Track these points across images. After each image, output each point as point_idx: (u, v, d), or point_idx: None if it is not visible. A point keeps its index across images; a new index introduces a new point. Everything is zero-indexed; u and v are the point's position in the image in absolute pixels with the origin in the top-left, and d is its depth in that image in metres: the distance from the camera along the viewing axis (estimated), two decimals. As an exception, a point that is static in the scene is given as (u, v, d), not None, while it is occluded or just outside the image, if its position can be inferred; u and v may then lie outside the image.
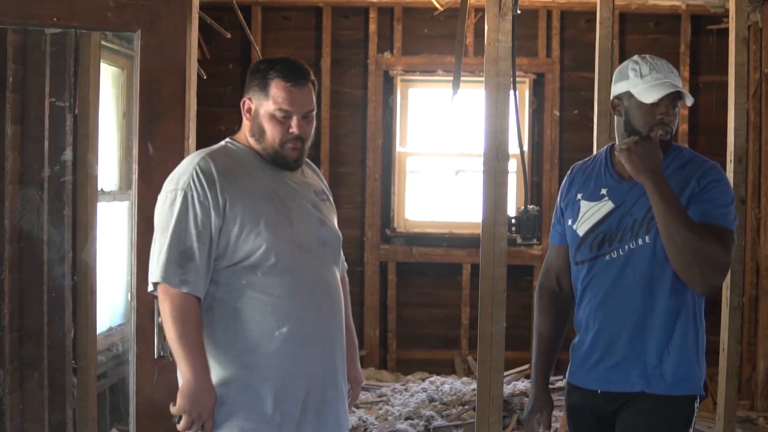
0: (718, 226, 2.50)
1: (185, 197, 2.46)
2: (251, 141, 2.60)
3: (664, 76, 2.63)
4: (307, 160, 2.76)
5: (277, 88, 2.52)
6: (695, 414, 2.60)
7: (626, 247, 2.62)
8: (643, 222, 2.60)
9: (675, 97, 2.62)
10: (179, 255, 2.44)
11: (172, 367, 2.65)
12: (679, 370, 2.57)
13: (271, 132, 2.55)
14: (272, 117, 2.54)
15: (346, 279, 2.85)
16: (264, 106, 2.54)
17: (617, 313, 2.64)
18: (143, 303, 2.99)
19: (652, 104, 2.62)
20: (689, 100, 2.63)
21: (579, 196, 2.78)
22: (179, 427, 2.43)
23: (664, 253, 2.54)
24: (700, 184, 2.58)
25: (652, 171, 2.53)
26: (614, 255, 2.65)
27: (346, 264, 2.87)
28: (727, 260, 2.49)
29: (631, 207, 2.64)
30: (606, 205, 2.69)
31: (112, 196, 5.11)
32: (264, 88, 2.54)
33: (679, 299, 2.58)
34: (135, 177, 3.08)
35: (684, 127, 6.67)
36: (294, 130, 2.54)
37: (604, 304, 2.68)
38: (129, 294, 3.13)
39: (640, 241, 2.60)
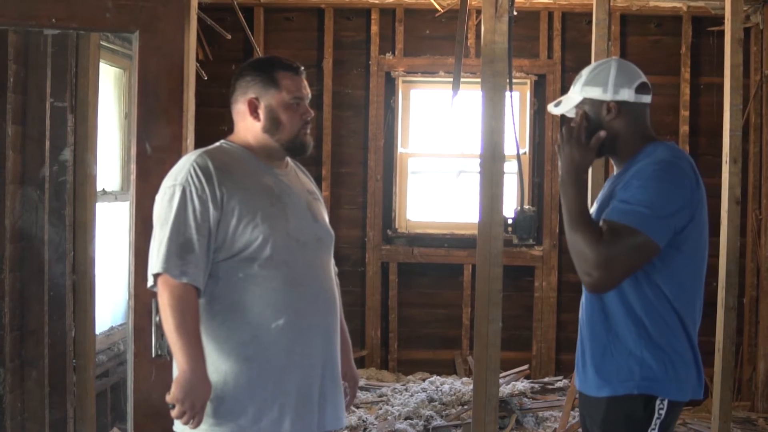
0: (605, 221, 2.43)
1: (184, 192, 2.51)
2: (260, 138, 2.66)
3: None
4: (297, 163, 2.83)
5: (286, 79, 2.65)
6: (656, 416, 2.48)
7: None
8: None
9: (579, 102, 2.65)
10: (179, 247, 2.48)
11: (169, 366, 2.66)
12: (605, 370, 2.52)
13: (289, 120, 2.65)
14: (288, 106, 2.65)
15: (338, 281, 2.87)
16: (276, 98, 2.64)
17: (581, 315, 2.66)
18: (141, 302, 3.01)
19: None
20: (556, 109, 2.69)
21: None
22: (172, 414, 2.46)
23: None
24: (625, 180, 2.51)
25: (564, 171, 2.55)
26: None
27: (336, 268, 2.89)
28: (597, 256, 2.37)
29: (595, 210, 2.63)
30: (594, 205, 2.71)
31: (114, 196, 5.13)
32: (273, 82, 2.64)
33: (618, 299, 2.50)
34: (133, 177, 3.10)
35: (685, 129, 6.67)
36: (306, 114, 2.67)
37: (581, 305, 2.69)
38: (127, 293, 3.15)
39: None
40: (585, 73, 2.64)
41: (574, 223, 2.46)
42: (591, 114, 2.61)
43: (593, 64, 2.68)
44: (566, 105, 2.66)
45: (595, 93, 2.60)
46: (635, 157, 2.56)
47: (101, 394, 4.67)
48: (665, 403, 2.49)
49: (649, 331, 2.48)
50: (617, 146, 2.61)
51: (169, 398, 2.45)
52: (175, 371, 2.52)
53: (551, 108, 2.73)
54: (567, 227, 2.48)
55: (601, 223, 2.46)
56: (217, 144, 2.71)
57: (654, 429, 2.49)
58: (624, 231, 2.39)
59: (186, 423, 2.45)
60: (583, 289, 2.68)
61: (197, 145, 2.90)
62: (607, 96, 2.59)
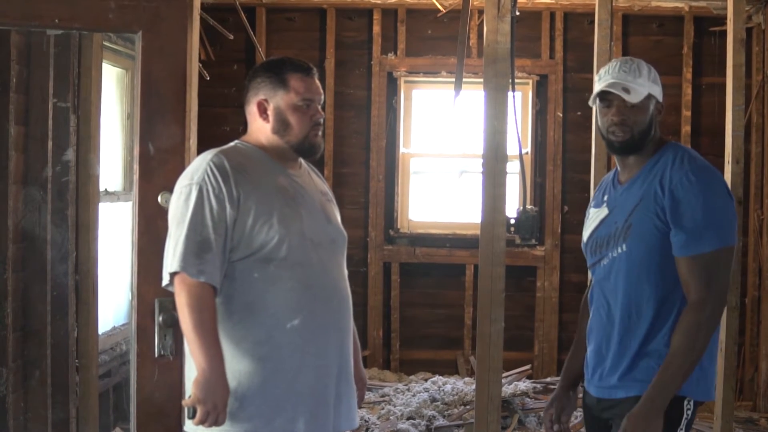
0: (689, 259, 2.47)
1: (200, 191, 2.51)
2: (271, 139, 2.67)
3: (612, 77, 2.61)
4: (310, 164, 2.83)
5: (296, 80, 2.64)
6: (684, 416, 2.53)
7: (611, 254, 2.62)
8: (622, 229, 2.59)
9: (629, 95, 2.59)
10: (196, 246, 2.48)
11: (172, 366, 2.66)
12: (635, 372, 2.55)
13: (298, 122, 2.64)
14: (297, 108, 2.64)
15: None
16: (285, 100, 2.64)
17: (603, 320, 2.66)
18: (144, 302, 3.00)
19: (606, 106, 2.63)
20: (629, 96, 2.57)
21: (592, 204, 2.81)
22: (194, 421, 2.44)
23: (639, 261, 2.54)
24: (663, 192, 2.52)
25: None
26: (605, 261, 2.65)
27: (347, 270, 2.89)
28: (714, 307, 2.46)
29: (618, 213, 2.63)
30: (603, 211, 2.70)
31: (116, 196, 5.13)
32: (282, 84, 2.64)
33: (656, 308, 2.54)
34: (135, 177, 3.09)
35: (687, 129, 6.67)
36: (316, 116, 2.66)
37: (597, 310, 2.69)
38: (130, 293, 3.14)
39: (619, 249, 2.59)
40: (643, 69, 2.62)
41: (698, 353, 2.47)
42: (647, 110, 2.61)
43: (639, 62, 2.64)
44: (637, 95, 2.60)
45: (657, 92, 2.64)
46: (657, 156, 2.61)
47: (104, 394, 4.67)
48: (692, 403, 2.54)
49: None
50: (647, 145, 2.63)
51: (188, 401, 2.44)
52: (191, 372, 2.53)
53: (616, 88, 2.58)
54: (688, 357, 2.46)
55: (681, 255, 2.48)
56: (232, 144, 2.71)
57: (682, 429, 2.53)
58: (713, 259, 2.46)
59: (210, 425, 2.44)
60: (596, 292, 2.69)
61: (199, 146, 2.90)
62: (660, 97, 2.66)
